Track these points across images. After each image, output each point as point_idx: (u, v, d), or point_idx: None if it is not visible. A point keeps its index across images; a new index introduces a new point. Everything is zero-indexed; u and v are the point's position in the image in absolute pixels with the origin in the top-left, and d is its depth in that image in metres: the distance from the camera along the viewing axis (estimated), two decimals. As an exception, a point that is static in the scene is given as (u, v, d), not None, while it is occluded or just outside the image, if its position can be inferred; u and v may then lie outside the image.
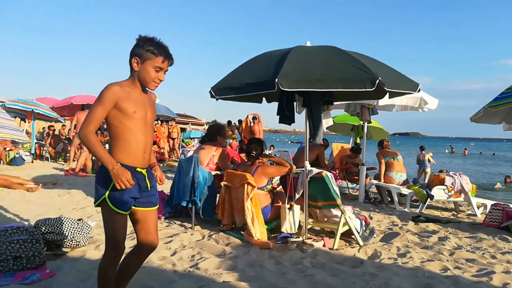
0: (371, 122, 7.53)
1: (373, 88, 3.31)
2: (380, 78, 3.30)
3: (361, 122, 7.66)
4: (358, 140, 10.20)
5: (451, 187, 6.39)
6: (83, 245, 3.51)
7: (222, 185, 4.41)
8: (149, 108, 2.19)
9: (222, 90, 4.20)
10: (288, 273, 3.20)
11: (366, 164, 7.97)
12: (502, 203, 5.86)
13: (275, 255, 3.66)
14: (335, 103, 7.44)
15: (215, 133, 5.02)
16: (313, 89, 3.42)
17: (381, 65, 3.95)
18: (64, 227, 3.44)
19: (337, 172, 8.53)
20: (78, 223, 3.59)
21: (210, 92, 4.27)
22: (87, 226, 3.63)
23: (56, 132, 13.16)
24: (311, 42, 4.09)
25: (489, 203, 6.14)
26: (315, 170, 4.16)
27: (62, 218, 3.55)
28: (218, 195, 4.68)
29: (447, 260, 3.77)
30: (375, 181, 7.46)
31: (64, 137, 12.98)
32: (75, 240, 3.43)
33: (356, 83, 3.36)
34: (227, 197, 4.38)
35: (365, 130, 7.41)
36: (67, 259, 3.28)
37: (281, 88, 3.37)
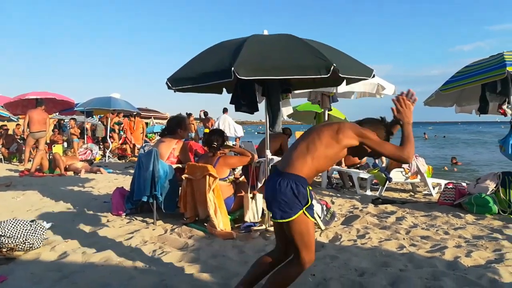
0: (331, 110, 7.66)
1: (328, 75, 3.36)
2: (334, 65, 3.35)
3: (322, 110, 7.78)
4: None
5: (408, 169, 6.65)
6: (37, 247, 3.38)
7: (184, 178, 4.36)
8: None
9: (178, 81, 4.12)
10: (251, 261, 3.18)
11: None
12: (454, 182, 6.17)
13: (239, 245, 3.67)
14: (297, 91, 7.54)
15: (175, 126, 4.94)
16: (269, 76, 3.43)
17: (336, 52, 4.01)
18: (16, 230, 3.28)
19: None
20: (31, 224, 3.44)
21: (166, 83, 4.19)
22: (41, 228, 3.49)
23: (10, 132, 12.52)
24: (268, 31, 4.10)
25: (443, 182, 6.44)
26: (276, 159, 4.21)
27: (14, 221, 3.39)
28: (180, 188, 4.63)
29: (403, 239, 3.93)
30: (337, 167, 7.63)
31: (19, 137, 12.37)
32: (28, 242, 3.29)
33: (312, 70, 3.39)
34: (189, 189, 4.34)
35: (326, 118, 7.53)
36: (20, 262, 3.14)
37: (238, 76, 3.35)
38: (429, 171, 7.24)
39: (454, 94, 6.13)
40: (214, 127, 11.57)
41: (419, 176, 6.74)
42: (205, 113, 14.38)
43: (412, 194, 6.93)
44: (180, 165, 4.67)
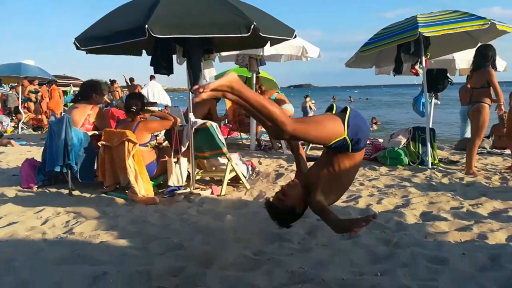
0: (259, 73, 7.64)
1: (249, 34, 3.28)
2: (255, 23, 3.27)
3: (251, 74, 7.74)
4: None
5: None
6: None
7: (100, 145, 4.11)
8: None
9: (87, 40, 3.80)
10: (172, 224, 3.18)
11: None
12: (372, 138, 6.56)
13: (161, 209, 3.60)
14: (223, 54, 7.40)
15: (89, 91, 4.59)
16: (187, 35, 3.28)
17: (257, 11, 3.92)
18: None
19: (231, 124, 8.65)
20: None
21: (74, 43, 3.84)
22: None
23: None
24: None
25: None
26: (200, 121, 4.11)
27: None
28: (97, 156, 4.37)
29: (323, 192, 4.12)
30: (263, 129, 7.73)
31: None
32: None
33: (232, 28, 3.30)
34: (107, 157, 4.11)
35: (254, 81, 7.51)
36: None
37: (152, 34, 3.15)
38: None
39: (372, 56, 6.39)
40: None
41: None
42: (131, 79, 13.64)
43: (336, 152, 7.28)
44: (96, 132, 4.39)
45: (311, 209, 2.07)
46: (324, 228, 2.88)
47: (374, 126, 15.87)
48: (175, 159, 4.14)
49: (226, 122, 8.94)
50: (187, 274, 2.22)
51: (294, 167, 5.52)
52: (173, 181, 4.09)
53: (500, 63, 7.46)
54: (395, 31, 5.44)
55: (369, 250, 2.55)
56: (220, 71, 11.21)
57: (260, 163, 5.86)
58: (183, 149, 4.22)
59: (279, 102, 7.59)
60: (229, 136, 9.03)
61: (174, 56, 4.17)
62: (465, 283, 2.03)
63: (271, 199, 2.15)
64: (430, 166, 5.26)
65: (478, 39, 5.64)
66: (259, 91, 7.64)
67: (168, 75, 4.11)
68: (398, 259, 2.34)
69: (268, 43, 4.34)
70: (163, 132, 4.81)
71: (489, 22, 4.85)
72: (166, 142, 4.76)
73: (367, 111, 26.14)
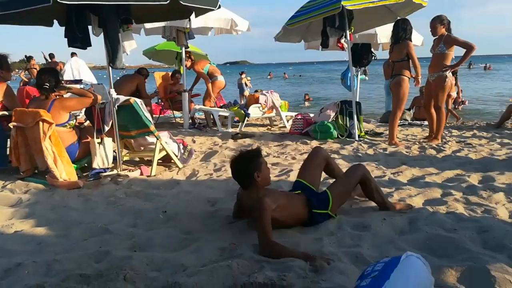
0: (188, 47, 7.37)
1: (167, 1, 3.08)
2: None
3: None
4: (182, 70, 10.03)
5: (264, 104, 6.96)
6: None
7: (12, 127, 3.71)
8: None
9: None
10: (98, 208, 3.00)
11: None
12: (303, 113, 6.71)
13: (85, 193, 3.37)
14: (148, 27, 7.02)
15: None
16: (99, 1, 2.99)
17: None
18: None
19: (163, 102, 8.33)
20: None
21: None
22: None
23: None
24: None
25: (294, 114, 6.95)
26: (122, 98, 3.86)
27: None
28: (9, 139, 3.95)
29: (256, 167, 4.13)
30: (198, 107, 7.57)
31: None
32: None
33: (149, -5, 3.07)
34: (20, 139, 3.73)
35: (184, 56, 7.24)
36: None
37: (58, 0, 2.83)
38: (285, 106, 7.73)
39: (300, 29, 6.44)
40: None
41: (274, 111, 7.13)
42: (51, 56, 12.55)
43: (270, 127, 7.36)
44: (6, 113, 3.96)
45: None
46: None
47: (307, 103, 16.33)
48: (99, 140, 3.89)
49: (158, 100, 8.60)
50: (112, 258, 2.09)
51: (228, 144, 5.52)
52: (97, 163, 3.84)
53: (417, 37, 7.95)
54: (319, 4, 5.48)
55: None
56: (148, 46, 10.69)
57: (194, 142, 5.74)
58: (107, 128, 3.95)
59: (212, 73, 7.47)
60: (161, 115, 8.73)
61: (90, 28, 3.83)
62: (386, 247, 2.14)
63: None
64: (357, 139, 5.51)
65: (397, 13, 5.92)
66: (190, 61, 7.41)
67: (85, 48, 3.78)
68: (326, 228, 2.41)
69: (193, 15, 4.15)
70: (83, 110, 4.48)
71: None
72: (88, 121, 4.43)
73: (301, 87, 26.82)
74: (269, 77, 41.03)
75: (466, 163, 4.09)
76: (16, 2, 3.11)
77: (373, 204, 2.72)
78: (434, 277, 1.53)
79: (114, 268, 1.94)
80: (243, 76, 14.61)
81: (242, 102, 8.47)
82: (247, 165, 2.32)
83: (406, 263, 1.40)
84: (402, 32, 5.05)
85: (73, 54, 10.89)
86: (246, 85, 14.48)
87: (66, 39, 3.70)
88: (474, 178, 3.42)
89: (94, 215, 2.84)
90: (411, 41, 5.08)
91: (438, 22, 5.03)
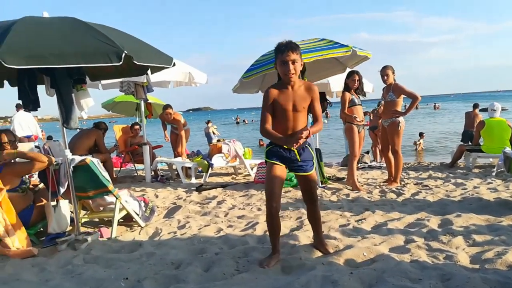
0: (147, 100, 7.39)
1: (121, 62, 3.09)
2: (126, 52, 3.09)
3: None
4: (142, 121, 9.96)
5: (227, 153, 6.98)
6: None
7: (-43, 194, 3.47)
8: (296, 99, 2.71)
9: None
10: (53, 279, 2.79)
11: (153, 143, 7.90)
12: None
13: (40, 262, 3.14)
14: (105, 82, 6.98)
15: None
16: (49, 65, 2.94)
17: (131, 39, 3.70)
18: None
19: (123, 155, 8.15)
20: None
21: None
22: None
23: None
24: (49, 13, 3.53)
25: (258, 162, 7.00)
26: (78, 158, 3.74)
27: None
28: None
29: (222, 222, 4.07)
30: (159, 159, 7.47)
31: None
32: None
33: (101, 57, 3.05)
34: (-33, 207, 3.49)
35: (143, 109, 7.23)
36: None
37: (6, 65, 2.76)
38: (249, 153, 7.77)
39: (257, 81, 6.62)
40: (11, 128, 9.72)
41: (238, 159, 7.16)
42: None
43: (234, 176, 7.34)
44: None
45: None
46: (221, 263, 2.82)
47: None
48: (54, 202, 3.70)
49: (118, 153, 8.41)
50: None
51: (192, 196, 5.42)
52: (53, 228, 3.63)
53: (368, 85, 8.45)
54: (272, 58, 5.71)
55: (269, 278, 2.54)
56: (106, 99, 10.60)
57: (157, 196, 5.60)
58: (62, 190, 3.77)
59: (184, 123, 7.64)
60: (122, 168, 8.51)
61: (42, 88, 3.74)
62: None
63: None
64: (320, 185, 5.60)
65: (346, 64, 6.28)
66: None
67: (36, 110, 3.69)
68: (294, 285, 2.36)
69: (149, 71, 4.19)
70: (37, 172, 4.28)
71: (351, 49, 5.41)
72: (42, 184, 4.23)
73: (257, 132, 27.25)
74: (236, 120, 41.40)
75: (425, 206, 4.23)
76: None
77: (342, 257, 2.74)
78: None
79: None
80: (210, 125, 14.68)
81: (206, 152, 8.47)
82: None
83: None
84: (344, 84, 5.47)
85: (18, 107, 10.28)
86: (213, 133, 14.54)
87: (20, 100, 3.59)
88: (433, 222, 3.54)
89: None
90: (348, 91, 5.43)
91: (390, 70, 5.39)
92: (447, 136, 17.53)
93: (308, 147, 2.84)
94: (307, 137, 2.59)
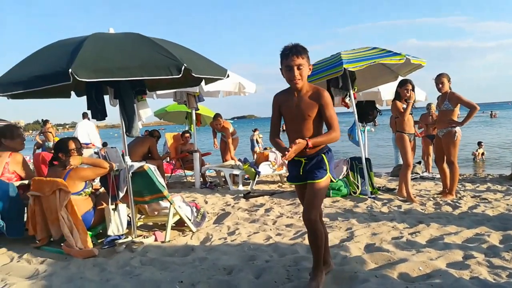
0: (198, 109, 7.63)
1: (180, 75, 3.25)
2: (185, 65, 3.25)
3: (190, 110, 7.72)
4: (192, 129, 10.28)
5: (274, 161, 7.03)
6: None
7: (29, 196, 3.78)
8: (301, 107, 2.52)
9: (6, 86, 3.45)
10: (114, 279, 2.96)
11: (202, 151, 8.13)
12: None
13: (100, 262, 3.34)
14: (160, 92, 7.31)
15: None
16: (115, 78, 3.16)
17: (188, 52, 3.90)
18: None
19: (174, 162, 8.46)
20: None
21: None
22: None
23: None
24: (114, 29, 3.78)
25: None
26: (136, 165, 3.95)
27: None
28: (26, 208, 4.00)
29: (270, 229, 4.10)
30: (207, 166, 7.66)
31: None
32: None
33: (163, 70, 3.24)
34: (37, 208, 3.78)
35: (194, 117, 7.48)
36: None
37: (78, 78, 3.00)
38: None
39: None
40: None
41: (284, 167, 7.18)
42: (45, 122, 12.73)
43: (281, 184, 7.37)
44: (25, 182, 4.05)
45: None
46: (272, 271, 2.85)
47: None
48: (113, 206, 3.92)
49: (169, 159, 8.73)
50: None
51: (240, 203, 5.51)
52: (112, 230, 3.84)
53: (420, 93, 8.16)
54: (322, 68, 5.71)
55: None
56: (157, 108, 11.06)
57: (206, 202, 5.75)
58: (121, 194, 4.00)
59: (233, 132, 7.97)
60: (173, 174, 8.81)
61: (107, 97, 4.01)
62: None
63: None
64: (370, 196, 5.48)
65: (398, 73, 6.12)
66: (219, 126, 7.98)
67: (103, 119, 3.94)
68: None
69: (203, 82, 4.34)
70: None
71: (405, 58, 5.29)
72: (103, 188, 4.50)
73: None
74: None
75: (484, 220, 4.02)
76: (36, 81, 3.27)
77: (397, 270, 2.66)
78: None
79: None
80: (256, 133, 14.91)
81: (254, 158, 8.59)
82: None
83: None
84: (395, 93, 5.27)
85: (84, 115, 11.04)
86: (257, 141, 14.72)
87: (89, 110, 3.87)
88: (494, 238, 3.35)
89: (110, 287, 2.80)
90: (399, 100, 5.24)
91: (446, 78, 5.18)
92: (506, 147, 16.47)
93: (324, 156, 2.57)
94: (308, 148, 2.38)
